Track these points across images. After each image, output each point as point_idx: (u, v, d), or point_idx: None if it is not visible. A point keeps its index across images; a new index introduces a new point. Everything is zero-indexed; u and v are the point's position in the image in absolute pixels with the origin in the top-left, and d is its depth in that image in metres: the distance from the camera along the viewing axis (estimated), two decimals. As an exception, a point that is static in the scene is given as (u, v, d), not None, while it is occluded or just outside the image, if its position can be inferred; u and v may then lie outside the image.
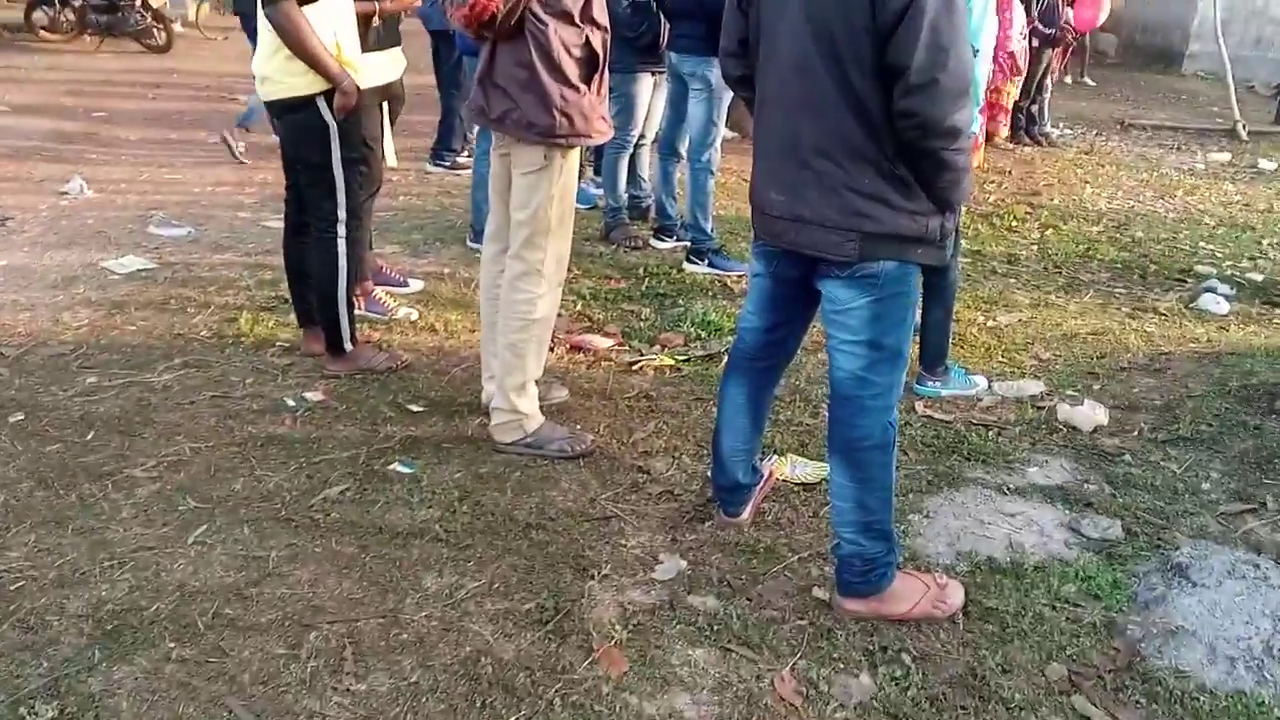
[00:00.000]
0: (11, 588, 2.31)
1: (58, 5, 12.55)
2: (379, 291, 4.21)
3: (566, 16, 2.78)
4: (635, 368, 3.83)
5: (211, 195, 6.09)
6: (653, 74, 5.23)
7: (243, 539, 2.56)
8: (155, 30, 12.56)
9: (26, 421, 3.10)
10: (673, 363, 3.88)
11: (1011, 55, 7.93)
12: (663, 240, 5.43)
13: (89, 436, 3.02)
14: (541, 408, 3.18)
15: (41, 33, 12.68)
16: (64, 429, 3.06)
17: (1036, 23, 8.90)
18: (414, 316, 4.18)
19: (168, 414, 3.20)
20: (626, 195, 5.62)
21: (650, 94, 5.31)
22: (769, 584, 2.51)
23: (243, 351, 3.72)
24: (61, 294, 4.23)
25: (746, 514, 2.75)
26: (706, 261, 5.03)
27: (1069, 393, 3.78)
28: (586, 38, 2.82)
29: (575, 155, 2.97)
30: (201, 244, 5.06)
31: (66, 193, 5.91)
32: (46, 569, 2.39)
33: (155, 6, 12.60)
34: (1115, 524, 2.86)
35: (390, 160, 4.16)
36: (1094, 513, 2.92)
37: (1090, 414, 3.50)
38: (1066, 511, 2.94)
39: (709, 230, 5.03)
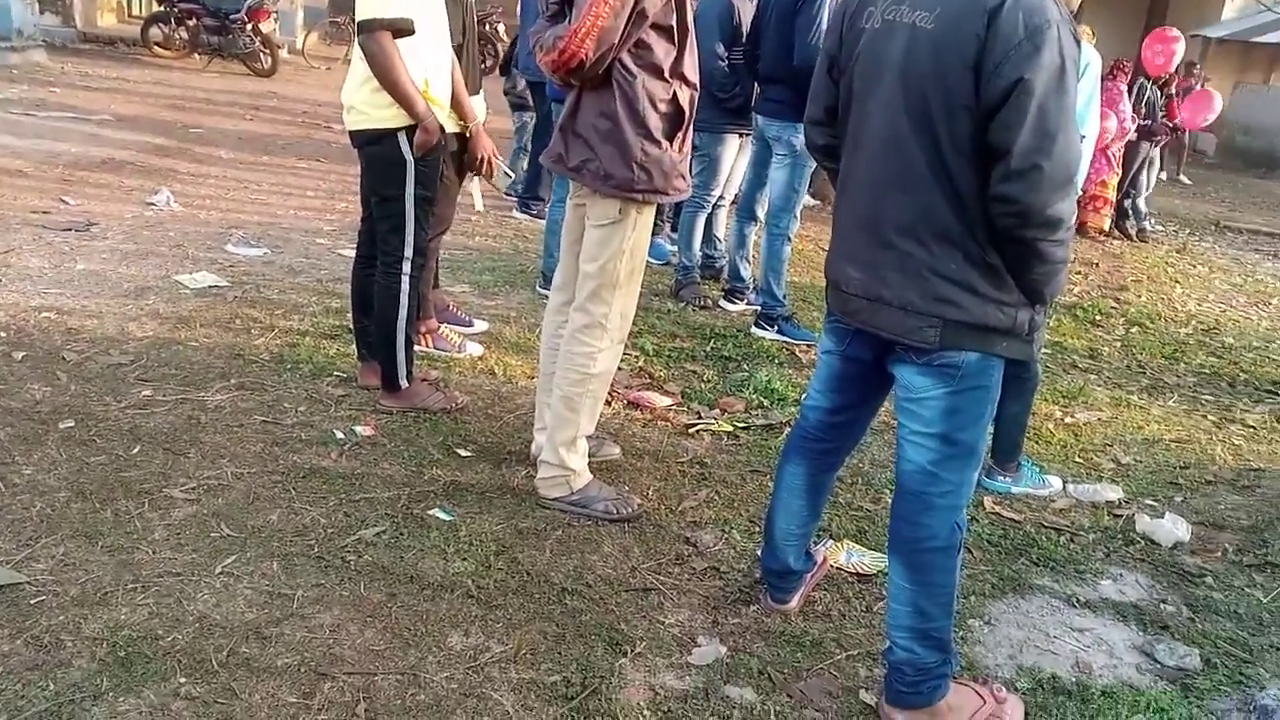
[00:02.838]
0: (32, 601, 2.26)
1: (173, 23, 13.10)
2: (445, 329, 4.18)
3: (656, 70, 2.71)
4: (692, 431, 3.71)
5: (293, 219, 6.18)
6: (740, 135, 5.18)
7: (270, 574, 2.48)
8: (262, 55, 13.02)
9: (76, 429, 3.08)
10: (731, 429, 3.76)
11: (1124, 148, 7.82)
12: (733, 302, 5.34)
13: (134, 451, 2.99)
14: (591, 464, 3.07)
15: (155, 48, 13.25)
16: (111, 441, 3.04)
17: (1138, 117, 8.73)
18: (478, 352, 4.15)
19: (215, 435, 3.16)
20: (700, 254, 5.55)
21: (735, 155, 5.26)
22: (812, 681, 2.35)
23: (299, 378, 3.69)
24: (131, 304, 4.26)
25: (795, 602, 2.60)
26: (776, 328, 4.91)
27: (1148, 502, 3.57)
28: (674, 93, 2.76)
29: (650, 211, 2.89)
30: (276, 266, 5.10)
31: (153, 204, 6.05)
32: (69, 585, 2.33)
33: (265, 32, 13.06)
34: (1193, 652, 2.64)
35: (478, 205, 4.18)
36: (1170, 637, 2.71)
37: (1171, 529, 3.28)
38: (1140, 633, 2.73)
39: (781, 296, 4.92)
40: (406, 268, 3.38)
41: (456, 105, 3.47)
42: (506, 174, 3.77)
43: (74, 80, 10.83)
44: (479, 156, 3.63)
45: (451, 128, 3.48)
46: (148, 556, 2.49)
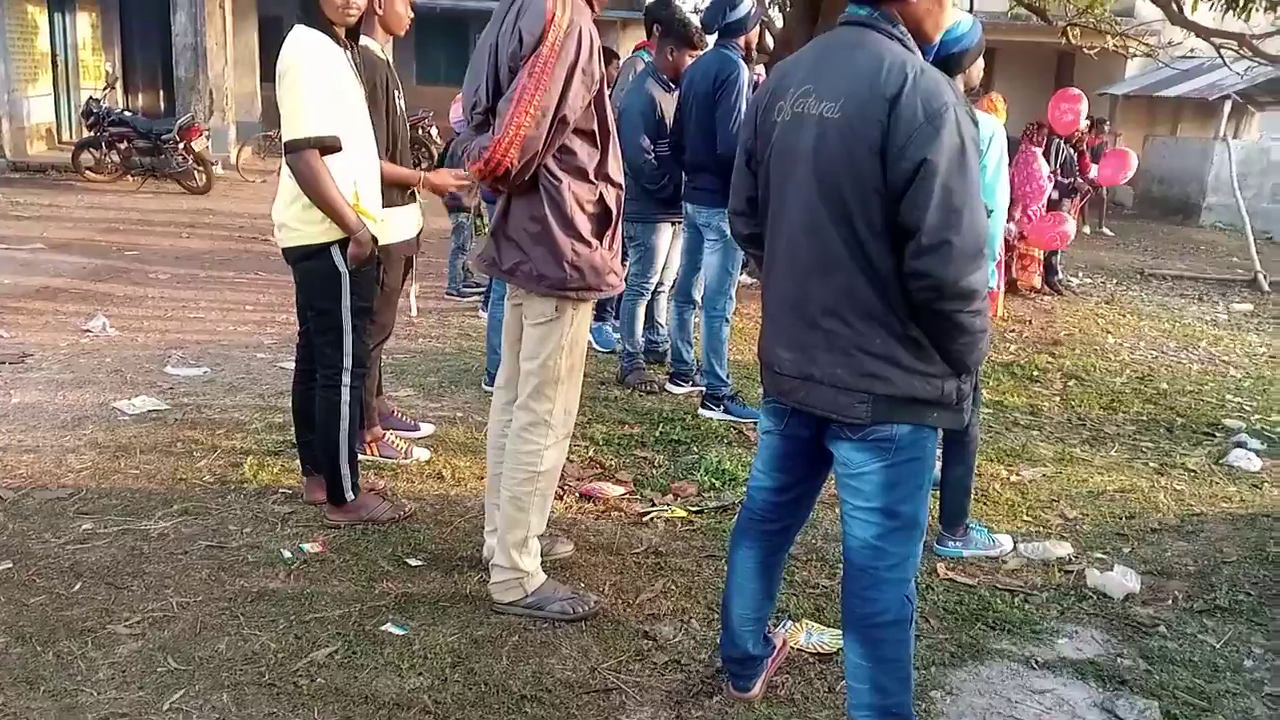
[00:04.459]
0: (-31, 758, 2.18)
1: (104, 147, 13.06)
2: (391, 435, 4.16)
3: (581, 173, 2.78)
4: (646, 519, 3.71)
5: (232, 335, 6.14)
6: (673, 224, 5.30)
7: (220, 706, 2.41)
8: (196, 172, 13.01)
9: (14, 570, 3.00)
10: (685, 514, 3.76)
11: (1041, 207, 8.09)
12: (678, 385, 5.39)
13: (76, 588, 2.92)
14: (544, 563, 3.05)
15: (87, 173, 13.18)
16: (51, 579, 2.96)
17: (1056, 175, 9.07)
18: (425, 457, 4.12)
19: (159, 564, 3.09)
20: (644, 340, 5.62)
21: (670, 243, 5.37)
22: (779, 769, 2.33)
23: (244, 498, 3.64)
24: (69, 434, 4.19)
25: (757, 689, 2.58)
26: (722, 408, 4.97)
27: (1098, 555, 3.62)
28: (600, 194, 2.82)
29: (587, 308, 2.93)
30: (216, 384, 5.05)
31: (89, 330, 5.98)
32: (9, 737, 2.26)
33: (198, 150, 13.09)
34: (1153, 705, 2.66)
35: (413, 311, 4.18)
36: (1129, 692, 2.73)
37: (1121, 581, 3.33)
38: (1100, 690, 2.75)
39: (724, 376, 4.99)
40: (347, 379, 3.37)
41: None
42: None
43: (5, 210, 10.76)
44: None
45: (386, 239, 3.51)
46: (92, 698, 2.41)
